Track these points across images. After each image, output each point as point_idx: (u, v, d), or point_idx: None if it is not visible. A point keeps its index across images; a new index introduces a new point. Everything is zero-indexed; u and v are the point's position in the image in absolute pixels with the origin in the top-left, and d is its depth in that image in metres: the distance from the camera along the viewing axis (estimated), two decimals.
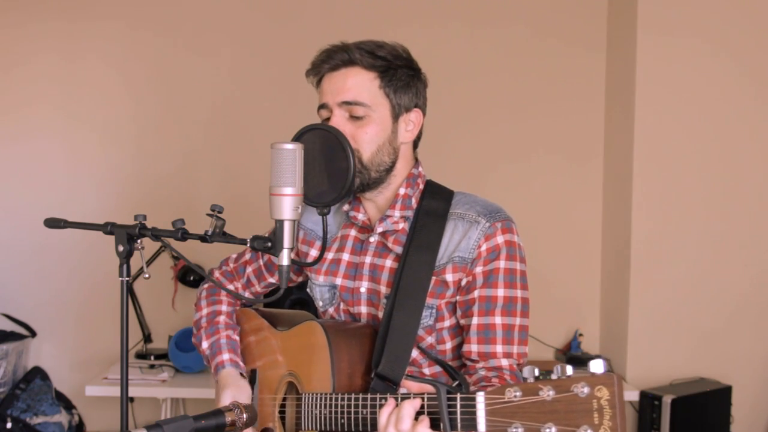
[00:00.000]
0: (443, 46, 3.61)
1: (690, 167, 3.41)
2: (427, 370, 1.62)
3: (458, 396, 1.22)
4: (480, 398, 1.18)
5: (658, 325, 3.40)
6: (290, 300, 3.25)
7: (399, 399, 1.34)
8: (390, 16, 3.64)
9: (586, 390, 1.06)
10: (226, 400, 1.66)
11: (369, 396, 1.42)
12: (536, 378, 1.14)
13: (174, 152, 3.65)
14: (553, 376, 1.12)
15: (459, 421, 1.22)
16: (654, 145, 3.39)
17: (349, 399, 1.44)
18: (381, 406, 1.37)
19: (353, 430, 1.44)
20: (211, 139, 3.66)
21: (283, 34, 3.63)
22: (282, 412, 1.69)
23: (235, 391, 1.68)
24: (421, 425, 1.27)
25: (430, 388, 1.30)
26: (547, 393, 1.10)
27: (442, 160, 3.30)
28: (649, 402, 3.16)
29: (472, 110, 3.63)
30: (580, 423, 1.06)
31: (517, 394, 1.13)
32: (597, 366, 1.08)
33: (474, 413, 1.19)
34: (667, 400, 3.10)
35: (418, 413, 1.30)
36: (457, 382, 1.27)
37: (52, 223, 1.58)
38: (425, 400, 1.29)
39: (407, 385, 1.33)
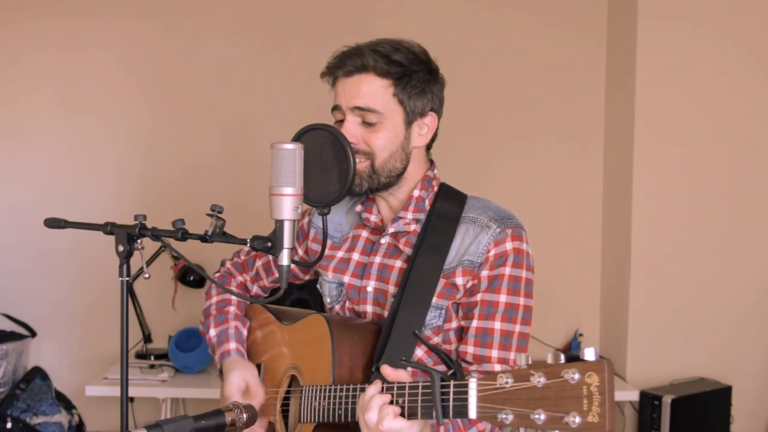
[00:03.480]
0: (444, 32, 3.62)
1: (691, 160, 3.41)
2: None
3: (451, 383, 1.22)
4: (472, 384, 1.18)
5: (658, 325, 3.40)
6: (290, 300, 3.25)
7: (384, 389, 1.34)
8: (389, 4, 3.65)
9: (576, 376, 1.06)
10: (234, 381, 1.67)
11: (367, 386, 1.41)
12: (528, 365, 1.13)
13: (174, 152, 3.65)
14: (548, 362, 1.12)
15: (451, 408, 1.22)
16: (655, 137, 3.38)
17: (347, 390, 1.45)
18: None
19: (350, 421, 1.44)
20: (211, 138, 3.66)
21: (285, 32, 3.63)
22: (286, 407, 1.69)
23: (243, 371, 1.69)
24: (386, 411, 1.28)
25: (405, 377, 1.32)
26: (538, 380, 1.09)
27: (440, 148, 3.31)
28: (649, 402, 3.16)
29: (472, 97, 3.62)
30: (569, 409, 1.05)
31: (509, 381, 1.13)
32: (589, 354, 1.08)
33: (466, 400, 1.19)
34: (667, 400, 3.10)
35: (411, 398, 1.30)
36: (452, 371, 1.27)
37: (52, 223, 1.58)
38: (407, 387, 1.29)
39: (384, 372, 1.34)
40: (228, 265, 1.92)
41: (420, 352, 1.60)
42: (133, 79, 3.64)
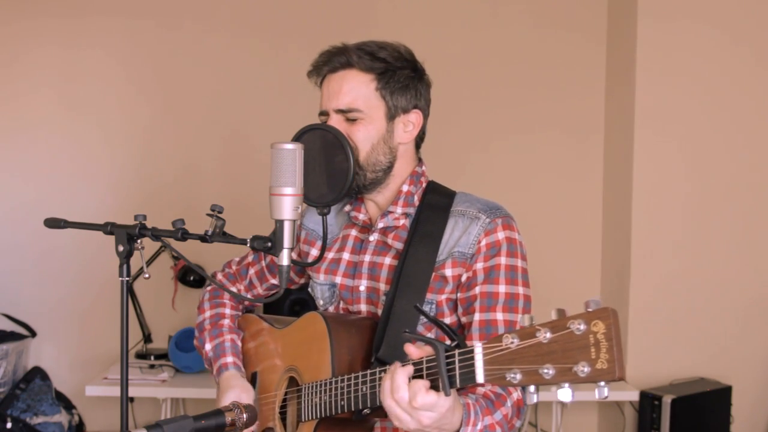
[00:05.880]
0: (444, 31, 3.62)
1: (692, 159, 3.41)
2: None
3: (456, 352, 1.21)
4: (478, 349, 1.17)
5: (658, 325, 3.40)
6: (290, 300, 3.25)
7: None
8: (391, 3, 3.66)
9: (582, 327, 1.05)
10: (229, 401, 1.65)
11: (368, 372, 1.41)
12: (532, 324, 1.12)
13: (174, 152, 3.65)
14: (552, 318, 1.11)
15: (458, 377, 1.20)
16: (655, 135, 3.38)
17: (349, 380, 1.44)
18: (381, 379, 1.34)
19: (353, 409, 1.44)
20: (211, 138, 3.66)
21: (285, 32, 3.63)
22: (284, 411, 1.69)
23: (240, 392, 1.68)
24: (417, 387, 1.24)
25: (429, 351, 1.28)
26: (544, 335, 1.08)
27: (439, 146, 3.31)
28: (649, 402, 3.16)
29: (472, 94, 3.64)
30: (577, 360, 1.04)
31: (515, 341, 1.12)
32: (594, 304, 1.06)
33: (472, 365, 1.18)
34: (667, 400, 3.10)
35: (417, 376, 1.28)
36: (455, 342, 1.26)
37: (52, 223, 1.58)
38: (425, 362, 1.27)
39: (408, 350, 1.31)
40: (219, 276, 1.91)
41: None
42: (132, 78, 3.64)
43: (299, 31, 3.60)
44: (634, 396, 3.23)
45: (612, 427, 3.56)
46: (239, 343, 1.81)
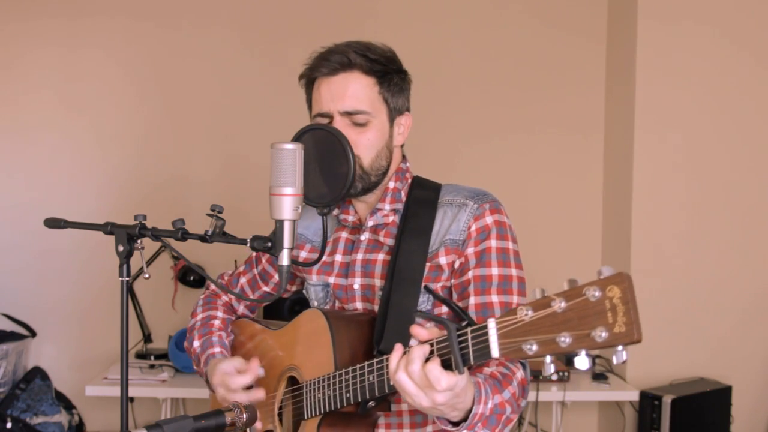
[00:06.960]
0: (444, 31, 3.63)
1: (691, 159, 3.40)
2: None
3: (468, 330, 1.20)
4: (491, 324, 1.16)
5: (658, 324, 3.40)
6: (290, 300, 3.25)
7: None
8: (391, 4, 3.66)
9: (597, 293, 1.04)
10: (224, 367, 1.65)
11: (375, 360, 1.40)
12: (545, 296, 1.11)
13: (173, 152, 3.65)
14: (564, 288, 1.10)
15: (471, 354, 1.19)
16: (655, 135, 3.38)
17: (354, 371, 1.44)
18: (388, 366, 1.33)
19: (359, 400, 1.43)
20: (211, 138, 3.66)
21: (284, 32, 3.63)
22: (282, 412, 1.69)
23: (229, 360, 1.67)
24: (432, 364, 1.23)
25: (438, 332, 1.27)
26: (559, 305, 1.07)
27: (440, 145, 3.32)
28: (649, 402, 3.16)
29: (473, 94, 3.64)
30: (594, 325, 1.03)
31: (529, 312, 1.10)
32: (607, 271, 1.06)
33: (486, 341, 1.17)
34: (667, 400, 3.10)
35: (428, 358, 1.26)
36: (465, 322, 1.24)
37: (52, 223, 1.58)
38: (435, 344, 1.26)
39: (416, 333, 1.29)
40: (212, 287, 1.91)
41: None
42: (132, 79, 3.64)
43: (299, 32, 3.60)
44: (634, 396, 3.23)
45: (612, 427, 3.56)
46: (227, 341, 1.81)
